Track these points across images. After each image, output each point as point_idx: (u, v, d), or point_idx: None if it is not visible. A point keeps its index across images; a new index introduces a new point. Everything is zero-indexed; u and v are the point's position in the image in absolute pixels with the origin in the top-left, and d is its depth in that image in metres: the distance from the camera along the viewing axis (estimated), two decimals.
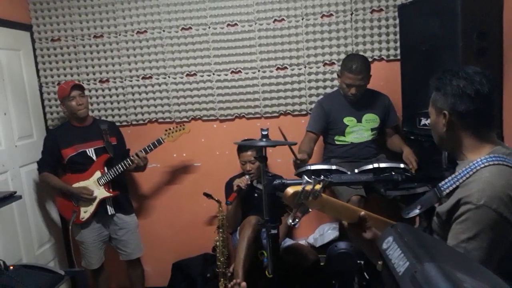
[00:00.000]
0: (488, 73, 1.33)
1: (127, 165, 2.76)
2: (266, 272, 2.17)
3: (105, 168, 2.80)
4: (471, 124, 1.32)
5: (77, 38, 3.07)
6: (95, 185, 2.77)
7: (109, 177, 2.77)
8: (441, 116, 1.34)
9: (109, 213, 2.82)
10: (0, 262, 1.89)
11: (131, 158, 2.76)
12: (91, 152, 2.80)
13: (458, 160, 1.38)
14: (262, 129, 2.10)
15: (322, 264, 2.64)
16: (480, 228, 1.18)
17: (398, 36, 2.77)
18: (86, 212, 2.76)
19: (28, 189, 2.89)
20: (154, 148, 2.82)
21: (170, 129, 2.87)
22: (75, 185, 2.76)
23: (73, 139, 2.79)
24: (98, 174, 2.78)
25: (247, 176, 2.68)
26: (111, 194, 2.79)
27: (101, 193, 2.77)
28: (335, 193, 2.53)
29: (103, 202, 2.79)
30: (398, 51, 2.78)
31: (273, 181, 1.98)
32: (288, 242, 2.86)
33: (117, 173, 2.77)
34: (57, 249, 3.15)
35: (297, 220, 1.21)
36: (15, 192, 2.26)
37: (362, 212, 1.27)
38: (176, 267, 3.11)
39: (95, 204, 2.76)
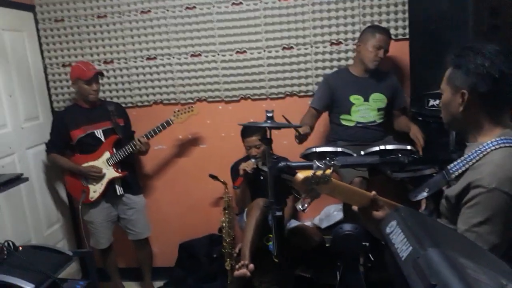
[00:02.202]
0: (509, 53, 1.27)
1: (132, 148, 2.78)
2: (274, 258, 2.18)
3: (114, 149, 2.82)
4: (488, 105, 1.27)
5: (80, 19, 3.04)
6: (104, 165, 2.79)
7: (118, 157, 2.79)
8: (458, 95, 1.28)
9: (118, 193, 2.85)
10: (9, 242, 1.92)
11: (133, 143, 2.77)
12: (99, 133, 2.81)
13: (468, 141, 1.34)
14: (267, 111, 2.07)
15: (327, 245, 2.65)
16: (492, 211, 1.16)
17: (407, 15, 2.69)
18: (95, 192, 2.79)
19: (36, 170, 2.92)
20: (163, 129, 2.82)
21: (178, 110, 2.86)
22: (84, 165, 2.78)
23: (81, 121, 2.79)
24: (107, 154, 2.80)
25: (252, 160, 2.66)
26: (120, 174, 2.82)
27: (110, 173, 2.80)
28: (339, 175, 2.51)
29: (112, 182, 2.82)
30: (407, 30, 2.71)
31: (278, 163, 1.97)
32: (293, 223, 2.87)
33: (126, 154, 2.79)
34: (66, 230, 3.20)
35: (306, 205, 1.20)
36: (22, 174, 2.28)
37: (374, 192, 1.26)
38: (183, 247, 3.14)
39: (104, 184, 2.79)
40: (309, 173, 1.15)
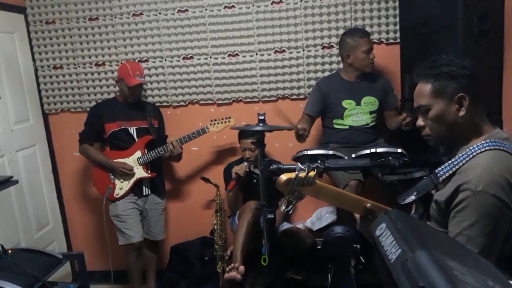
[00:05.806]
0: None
1: (164, 150, 2.78)
2: (262, 261, 2.18)
3: (146, 149, 2.81)
4: (477, 104, 1.30)
5: (72, 21, 3.02)
6: (134, 164, 2.78)
7: (149, 158, 2.79)
8: (453, 102, 1.29)
9: (145, 194, 2.86)
10: None
11: (167, 145, 2.78)
12: (132, 130, 2.81)
13: (462, 145, 1.35)
14: (258, 114, 2.08)
15: (319, 247, 2.66)
16: (480, 214, 1.18)
17: (397, 19, 2.72)
18: (121, 189, 2.78)
19: (26, 173, 2.89)
20: (198, 136, 2.83)
21: (215, 119, 2.87)
22: (116, 161, 2.77)
23: (117, 115, 2.79)
24: (138, 153, 2.80)
25: (245, 163, 2.67)
26: (149, 175, 2.82)
27: (139, 172, 2.79)
28: (333, 178, 2.52)
29: (140, 182, 2.81)
30: (398, 34, 2.74)
31: (270, 166, 1.98)
32: (285, 225, 2.87)
33: (157, 156, 2.79)
34: (56, 232, 3.18)
35: (290, 206, 1.21)
36: (12, 177, 2.26)
37: (369, 204, 1.27)
38: (175, 250, 3.13)
39: (131, 182, 2.78)
40: (292, 175, 1.16)
